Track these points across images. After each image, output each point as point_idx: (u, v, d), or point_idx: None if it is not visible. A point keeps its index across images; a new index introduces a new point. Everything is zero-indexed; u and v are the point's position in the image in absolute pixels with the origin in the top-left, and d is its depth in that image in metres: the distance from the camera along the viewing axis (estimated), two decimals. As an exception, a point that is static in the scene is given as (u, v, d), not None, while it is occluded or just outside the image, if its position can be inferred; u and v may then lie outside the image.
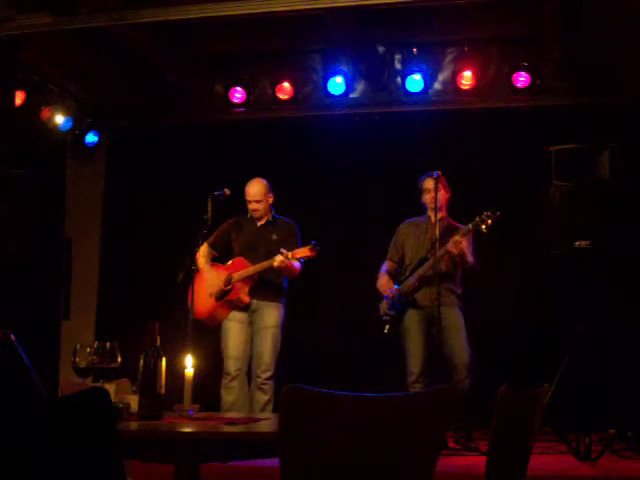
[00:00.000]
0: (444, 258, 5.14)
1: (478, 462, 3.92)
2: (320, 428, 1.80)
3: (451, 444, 4.94)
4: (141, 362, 2.57)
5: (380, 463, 1.83)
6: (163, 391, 2.57)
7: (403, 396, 1.95)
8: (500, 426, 2.05)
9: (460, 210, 5.46)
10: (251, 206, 5.32)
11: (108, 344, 2.64)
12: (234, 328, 5.21)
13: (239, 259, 5.27)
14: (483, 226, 5.05)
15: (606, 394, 5.29)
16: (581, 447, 4.58)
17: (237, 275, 5.20)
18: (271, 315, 5.20)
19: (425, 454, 1.88)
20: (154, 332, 2.61)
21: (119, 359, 2.63)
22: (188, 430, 2.38)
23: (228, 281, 5.19)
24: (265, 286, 5.21)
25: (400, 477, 1.86)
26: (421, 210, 5.47)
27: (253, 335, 5.24)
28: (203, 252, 5.36)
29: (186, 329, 4.97)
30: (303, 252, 4.96)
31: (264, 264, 5.09)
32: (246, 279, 5.19)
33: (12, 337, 2.28)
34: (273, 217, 5.38)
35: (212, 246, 5.41)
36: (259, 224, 5.36)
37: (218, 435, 2.33)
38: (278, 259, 4.96)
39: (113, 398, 2.50)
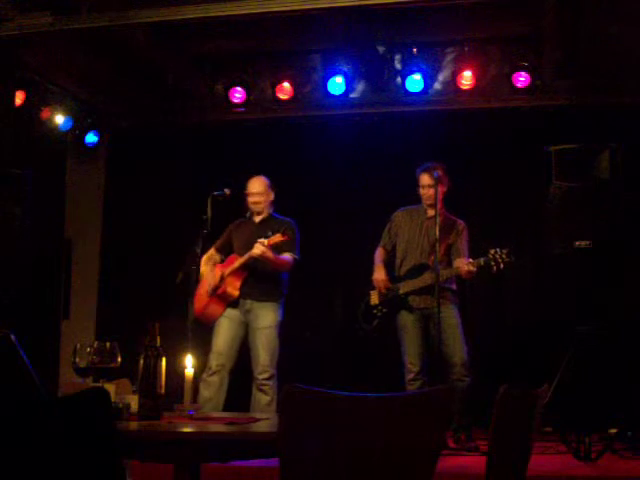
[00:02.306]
0: (447, 272, 5.11)
1: (478, 462, 3.93)
2: (320, 428, 1.80)
3: (451, 444, 4.94)
4: (141, 362, 2.57)
5: (380, 463, 1.83)
6: (163, 391, 2.57)
7: (403, 396, 1.96)
8: (500, 426, 2.05)
9: (460, 211, 5.45)
10: (251, 199, 5.35)
11: (108, 344, 2.64)
12: (224, 324, 5.22)
13: (233, 256, 5.32)
14: (495, 268, 4.98)
15: (606, 394, 5.29)
16: (581, 447, 4.58)
17: (227, 270, 5.25)
18: (266, 316, 5.20)
19: (425, 454, 1.88)
20: (154, 332, 2.61)
21: (119, 359, 2.63)
22: (188, 430, 2.38)
23: (221, 277, 5.23)
24: (260, 285, 5.21)
25: (400, 477, 1.86)
26: (418, 200, 5.43)
27: (248, 336, 5.24)
28: (208, 256, 5.42)
29: (186, 329, 4.98)
30: (277, 238, 4.99)
31: (246, 256, 5.11)
32: (236, 273, 5.21)
33: (12, 337, 2.28)
34: (271, 215, 5.40)
35: (218, 250, 5.46)
36: (257, 221, 5.37)
37: (218, 435, 2.33)
38: (256, 247, 4.99)
39: (113, 398, 2.50)
